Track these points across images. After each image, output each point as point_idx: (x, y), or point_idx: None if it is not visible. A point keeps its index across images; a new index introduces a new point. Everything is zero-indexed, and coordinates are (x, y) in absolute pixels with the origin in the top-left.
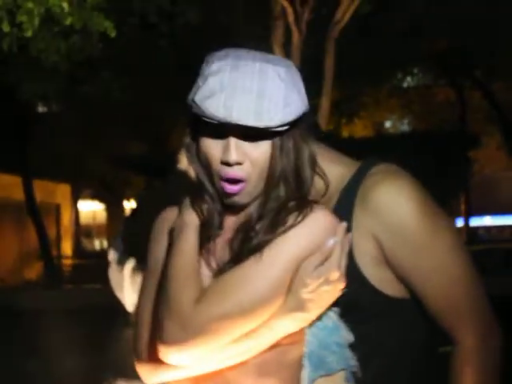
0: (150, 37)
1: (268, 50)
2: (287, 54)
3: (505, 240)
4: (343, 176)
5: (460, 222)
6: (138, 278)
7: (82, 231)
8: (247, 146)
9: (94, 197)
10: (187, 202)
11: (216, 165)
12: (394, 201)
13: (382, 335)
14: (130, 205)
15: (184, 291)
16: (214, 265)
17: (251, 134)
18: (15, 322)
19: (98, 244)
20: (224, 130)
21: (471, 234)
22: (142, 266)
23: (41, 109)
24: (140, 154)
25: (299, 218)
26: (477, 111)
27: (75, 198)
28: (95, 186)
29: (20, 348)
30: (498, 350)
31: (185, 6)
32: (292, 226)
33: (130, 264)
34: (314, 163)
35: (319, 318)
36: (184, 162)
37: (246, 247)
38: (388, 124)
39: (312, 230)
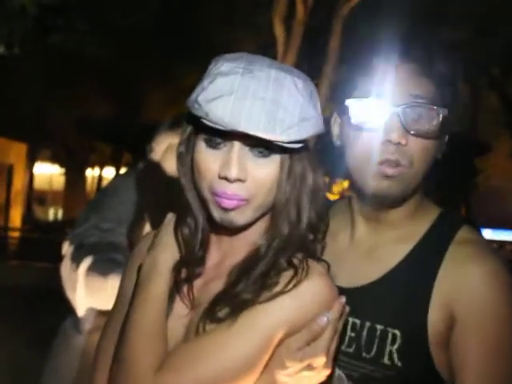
0: None
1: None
2: (288, 29)
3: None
4: (423, 222)
5: None
6: (95, 282)
7: (35, 197)
8: (251, 162)
9: (52, 159)
10: (167, 221)
11: (211, 179)
12: (488, 284)
13: None
14: (92, 172)
15: (144, 356)
16: (187, 310)
17: (258, 148)
18: None
19: (52, 213)
20: (226, 139)
21: None
22: (101, 266)
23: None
24: (108, 121)
25: (290, 285)
26: (490, 113)
27: (31, 160)
28: (55, 147)
29: None
30: None
31: None
32: (280, 294)
33: (87, 262)
34: (318, 197)
35: None
36: (158, 154)
37: (223, 306)
38: None
39: (303, 303)
